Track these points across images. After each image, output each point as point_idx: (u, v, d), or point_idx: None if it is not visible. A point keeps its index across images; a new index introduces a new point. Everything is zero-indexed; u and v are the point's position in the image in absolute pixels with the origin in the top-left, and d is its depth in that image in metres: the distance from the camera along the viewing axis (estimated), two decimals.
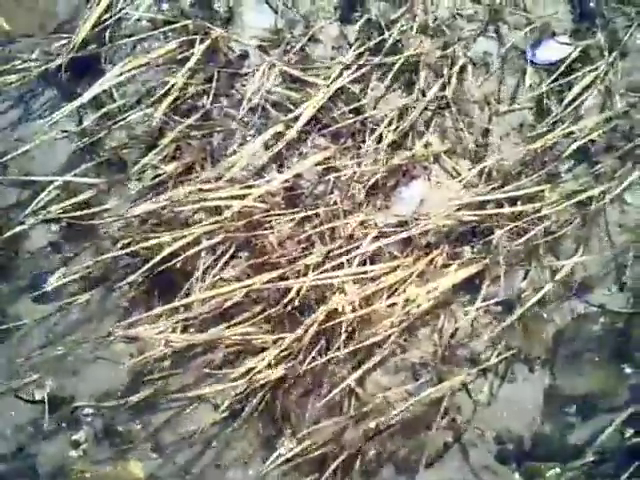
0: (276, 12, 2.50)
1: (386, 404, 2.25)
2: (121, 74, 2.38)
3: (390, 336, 2.25)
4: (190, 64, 2.40)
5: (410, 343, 2.32)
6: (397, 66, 2.41)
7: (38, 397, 2.38)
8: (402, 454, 2.27)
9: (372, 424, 2.22)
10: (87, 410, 2.37)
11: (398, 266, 2.26)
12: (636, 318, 2.28)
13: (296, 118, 2.37)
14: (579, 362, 2.29)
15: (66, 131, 2.48)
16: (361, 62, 2.42)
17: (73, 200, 2.39)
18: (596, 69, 2.40)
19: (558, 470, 2.22)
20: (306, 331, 2.18)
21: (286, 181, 2.36)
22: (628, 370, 2.27)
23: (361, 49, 2.43)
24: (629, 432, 2.20)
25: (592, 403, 2.25)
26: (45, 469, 2.37)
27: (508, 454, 2.26)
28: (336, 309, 2.18)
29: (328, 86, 2.37)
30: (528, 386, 2.30)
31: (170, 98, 2.40)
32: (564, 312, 2.33)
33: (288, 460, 2.26)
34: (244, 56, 2.47)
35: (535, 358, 2.31)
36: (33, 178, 2.45)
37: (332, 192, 2.35)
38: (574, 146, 2.35)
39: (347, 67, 2.41)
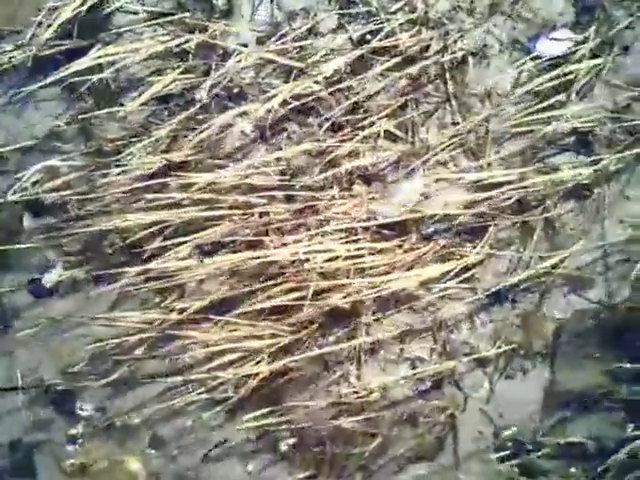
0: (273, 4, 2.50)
1: (383, 397, 2.26)
2: (99, 57, 2.39)
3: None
4: (150, 51, 2.41)
5: (409, 337, 2.32)
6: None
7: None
8: (399, 448, 2.26)
9: (369, 415, 2.22)
10: (85, 405, 2.36)
11: (381, 250, 2.27)
12: (635, 313, 2.27)
13: (289, 103, 2.38)
14: (579, 357, 2.28)
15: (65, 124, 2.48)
16: (352, 50, 2.42)
17: (57, 181, 2.39)
18: (597, 63, 2.40)
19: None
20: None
21: (283, 174, 2.36)
22: (628, 365, 2.25)
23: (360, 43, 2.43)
24: (630, 427, 2.20)
25: (592, 398, 2.24)
26: (42, 464, 2.36)
27: (507, 450, 2.25)
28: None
29: (306, 66, 2.38)
30: (527, 382, 2.29)
31: (148, 94, 2.40)
32: (564, 307, 2.32)
33: (286, 455, 2.27)
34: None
35: (535, 353, 2.30)
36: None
37: (332, 186, 2.35)
38: (549, 128, 2.36)
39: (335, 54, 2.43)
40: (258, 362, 2.24)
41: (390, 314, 2.33)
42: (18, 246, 2.42)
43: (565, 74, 2.39)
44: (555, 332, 2.30)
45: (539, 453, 2.23)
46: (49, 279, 2.41)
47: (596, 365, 2.27)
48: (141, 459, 2.35)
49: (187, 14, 2.41)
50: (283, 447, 2.28)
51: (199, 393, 2.29)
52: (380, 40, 2.40)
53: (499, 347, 2.29)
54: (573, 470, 2.20)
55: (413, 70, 2.39)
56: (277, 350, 2.25)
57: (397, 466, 2.27)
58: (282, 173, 2.36)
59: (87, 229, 2.37)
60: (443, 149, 2.38)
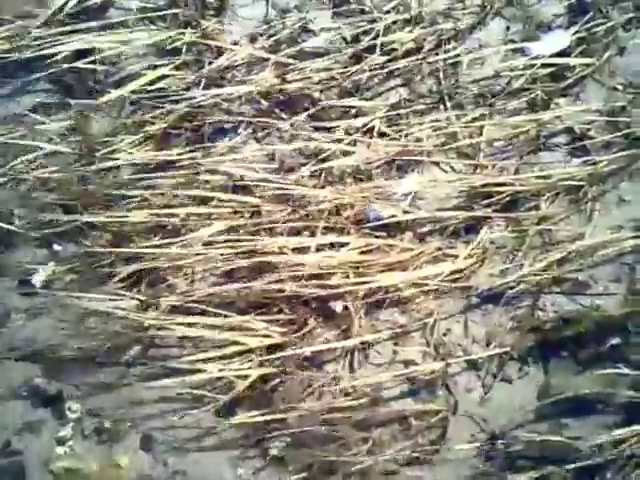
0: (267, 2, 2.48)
1: (375, 400, 2.23)
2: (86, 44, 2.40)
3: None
4: (139, 43, 2.41)
5: (402, 339, 2.30)
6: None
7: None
8: (391, 451, 2.24)
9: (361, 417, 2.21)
10: (75, 406, 2.34)
11: (373, 250, 2.26)
12: (633, 316, 2.25)
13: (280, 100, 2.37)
14: (572, 360, 2.26)
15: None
16: (345, 48, 2.41)
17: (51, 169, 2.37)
18: (592, 63, 2.39)
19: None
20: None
21: (277, 173, 2.34)
22: (624, 369, 2.24)
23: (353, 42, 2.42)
24: (623, 429, 2.18)
25: (587, 402, 2.23)
26: (31, 466, 2.33)
27: (500, 453, 2.23)
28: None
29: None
30: (520, 384, 2.27)
31: (141, 80, 2.40)
32: (559, 309, 2.30)
33: (278, 459, 2.25)
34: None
35: (528, 356, 2.28)
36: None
37: (323, 185, 2.33)
38: (543, 129, 2.35)
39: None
40: (250, 361, 2.21)
41: (382, 315, 2.31)
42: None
43: (560, 75, 2.38)
44: (548, 334, 2.28)
45: (531, 455, 2.22)
46: (39, 277, 2.38)
47: (590, 368, 2.25)
48: (131, 461, 2.32)
49: (179, 10, 2.40)
50: (273, 451, 2.26)
51: (190, 392, 2.27)
52: (373, 39, 2.39)
53: (492, 349, 2.27)
54: (565, 472, 2.19)
55: (406, 69, 2.38)
56: (268, 350, 2.23)
57: (388, 469, 2.25)
58: (274, 172, 2.35)
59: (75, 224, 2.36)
60: (436, 149, 2.37)
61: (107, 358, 2.33)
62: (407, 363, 2.29)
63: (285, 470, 2.25)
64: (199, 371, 2.20)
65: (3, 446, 2.35)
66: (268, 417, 2.19)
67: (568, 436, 2.19)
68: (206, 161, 2.33)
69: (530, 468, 2.19)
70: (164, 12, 2.44)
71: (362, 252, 2.26)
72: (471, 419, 2.25)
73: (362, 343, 2.27)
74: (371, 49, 2.41)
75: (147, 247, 2.28)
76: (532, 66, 2.40)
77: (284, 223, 2.29)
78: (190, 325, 2.23)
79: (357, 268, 2.25)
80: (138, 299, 2.26)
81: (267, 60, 2.40)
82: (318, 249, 2.24)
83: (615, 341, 2.24)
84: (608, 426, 2.19)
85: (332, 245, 2.27)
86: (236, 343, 2.22)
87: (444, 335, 2.30)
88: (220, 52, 2.44)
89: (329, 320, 2.28)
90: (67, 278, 2.38)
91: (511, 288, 2.29)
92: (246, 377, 2.20)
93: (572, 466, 2.13)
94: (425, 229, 2.34)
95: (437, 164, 2.39)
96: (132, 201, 2.34)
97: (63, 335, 2.35)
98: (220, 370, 2.20)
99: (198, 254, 2.27)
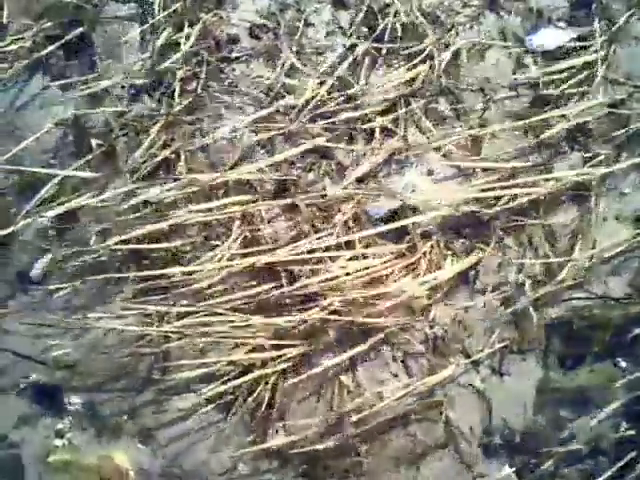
0: None
1: (377, 397, 2.23)
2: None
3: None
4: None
5: (402, 335, 2.29)
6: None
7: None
8: (392, 449, 2.24)
9: (362, 416, 2.20)
10: (74, 399, 2.34)
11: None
12: (632, 311, 2.24)
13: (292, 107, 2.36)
14: (573, 356, 2.26)
15: (61, 122, 2.45)
16: (356, 48, 2.39)
17: (73, 200, 2.36)
18: (593, 57, 2.38)
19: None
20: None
21: (277, 170, 2.33)
22: (623, 363, 2.24)
23: (354, 35, 2.41)
24: (624, 425, 2.18)
25: (585, 396, 2.22)
26: (29, 458, 2.34)
27: (498, 447, 2.23)
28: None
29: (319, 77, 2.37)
30: (520, 379, 2.27)
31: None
32: (558, 304, 2.29)
33: (278, 455, 2.24)
34: (235, 40, 2.44)
35: (528, 351, 2.28)
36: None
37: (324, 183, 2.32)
38: (544, 120, 2.33)
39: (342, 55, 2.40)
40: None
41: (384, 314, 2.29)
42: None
43: (561, 68, 2.38)
44: (549, 329, 2.28)
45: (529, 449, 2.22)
46: (36, 271, 2.38)
47: (590, 363, 2.25)
48: (130, 455, 2.32)
49: (177, 5, 2.39)
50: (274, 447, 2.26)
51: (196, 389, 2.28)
52: (372, 32, 2.38)
53: (492, 344, 2.27)
54: (565, 470, 2.19)
55: (406, 65, 2.38)
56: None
57: (389, 465, 2.25)
58: (273, 167, 2.34)
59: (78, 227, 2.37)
60: (437, 145, 2.36)
61: (123, 375, 2.34)
62: (408, 357, 2.28)
63: (285, 466, 2.25)
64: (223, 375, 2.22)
65: (0, 439, 2.35)
66: (284, 440, 2.21)
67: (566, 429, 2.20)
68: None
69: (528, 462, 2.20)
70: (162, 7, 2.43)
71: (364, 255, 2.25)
72: (470, 414, 2.25)
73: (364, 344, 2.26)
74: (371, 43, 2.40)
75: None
76: (533, 60, 2.39)
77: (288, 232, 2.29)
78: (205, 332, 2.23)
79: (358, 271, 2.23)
80: (153, 309, 2.25)
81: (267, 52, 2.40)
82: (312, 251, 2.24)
83: (638, 331, 2.23)
84: (608, 421, 2.19)
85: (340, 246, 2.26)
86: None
87: (445, 332, 2.29)
88: (219, 46, 2.43)
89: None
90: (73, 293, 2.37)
91: (516, 284, 2.28)
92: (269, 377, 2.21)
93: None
94: (427, 227, 2.32)
95: (438, 159, 2.37)
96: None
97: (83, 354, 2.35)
98: (242, 373, 2.20)
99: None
